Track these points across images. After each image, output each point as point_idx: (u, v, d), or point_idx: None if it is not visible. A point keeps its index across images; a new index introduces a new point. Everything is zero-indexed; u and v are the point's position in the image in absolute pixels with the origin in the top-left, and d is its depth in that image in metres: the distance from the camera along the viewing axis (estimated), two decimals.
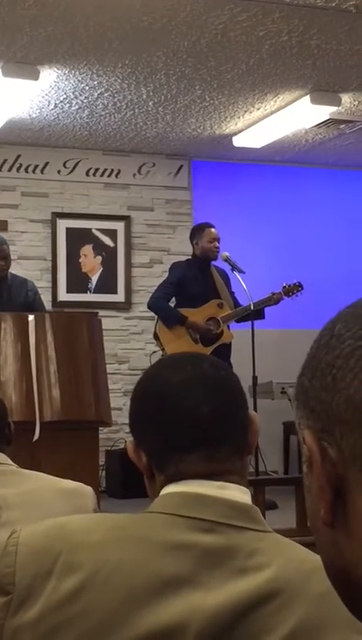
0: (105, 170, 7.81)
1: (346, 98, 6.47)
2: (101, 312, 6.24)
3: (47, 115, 6.73)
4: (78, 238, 7.71)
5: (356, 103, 6.60)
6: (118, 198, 7.85)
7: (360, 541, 0.63)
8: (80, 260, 7.73)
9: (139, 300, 7.65)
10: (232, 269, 6.49)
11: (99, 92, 6.26)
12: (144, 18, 5.03)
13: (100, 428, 5.74)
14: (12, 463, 1.99)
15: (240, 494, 1.23)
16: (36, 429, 5.13)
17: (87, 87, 6.16)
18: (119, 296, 7.81)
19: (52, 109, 6.61)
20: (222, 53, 5.58)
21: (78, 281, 7.71)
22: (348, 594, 0.67)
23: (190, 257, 6.72)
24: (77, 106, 6.55)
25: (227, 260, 6.50)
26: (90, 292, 7.75)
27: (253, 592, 1.13)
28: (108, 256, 7.81)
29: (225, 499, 1.21)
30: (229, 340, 6.52)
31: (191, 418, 1.26)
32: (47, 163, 7.65)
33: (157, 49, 5.50)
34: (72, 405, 5.34)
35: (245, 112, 6.79)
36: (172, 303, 6.60)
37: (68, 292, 7.67)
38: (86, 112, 6.69)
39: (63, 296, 7.65)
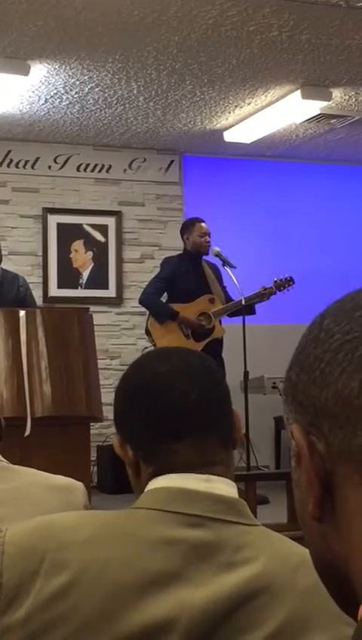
0: (96, 165, 7.80)
1: (337, 93, 6.47)
2: (92, 308, 6.22)
3: (37, 110, 6.72)
4: (68, 234, 7.70)
5: (346, 97, 6.61)
6: (108, 194, 7.84)
7: (348, 535, 0.63)
8: (71, 256, 7.72)
9: (131, 296, 7.65)
10: (223, 264, 6.48)
11: (89, 87, 6.25)
12: (135, 13, 5.03)
13: (92, 423, 5.74)
14: (2, 459, 1.98)
15: (226, 488, 1.24)
16: (27, 425, 5.12)
17: (77, 82, 6.15)
18: (110, 292, 7.80)
19: (42, 104, 6.59)
20: (212, 48, 5.58)
21: (69, 276, 7.69)
22: (335, 587, 0.67)
23: (181, 252, 6.72)
24: (67, 101, 6.54)
25: (218, 255, 6.49)
26: (81, 287, 7.74)
27: (240, 586, 1.13)
28: (100, 252, 7.80)
29: (211, 493, 1.21)
30: (221, 335, 6.52)
31: (179, 406, 1.26)
32: (37, 158, 7.63)
33: (147, 44, 5.49)
34: (63, 401, 5.34)
35: (236, 107, 6.79)
36: (164, 299, 6.59)
37: (59, 287, 7.66)
38: (76, 107, 6.68)
39: (54, 291, 7.63)
